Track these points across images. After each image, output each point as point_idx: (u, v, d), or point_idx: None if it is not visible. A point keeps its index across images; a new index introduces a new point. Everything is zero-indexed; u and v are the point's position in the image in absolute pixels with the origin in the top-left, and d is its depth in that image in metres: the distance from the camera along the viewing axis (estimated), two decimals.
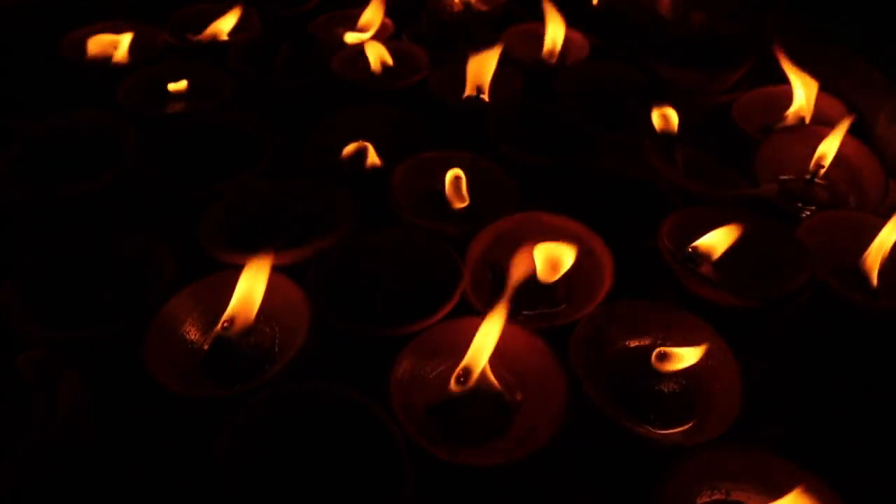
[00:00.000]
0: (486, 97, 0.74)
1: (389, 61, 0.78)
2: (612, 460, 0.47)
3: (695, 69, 0.76)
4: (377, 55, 0.78)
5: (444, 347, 0.48)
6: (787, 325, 0.56)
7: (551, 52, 0.81)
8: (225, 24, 0.85)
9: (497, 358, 0.46)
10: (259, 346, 0.50)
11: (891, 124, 0.67)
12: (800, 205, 0.64)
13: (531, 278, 0.55)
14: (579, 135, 0.69)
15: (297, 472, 0.44)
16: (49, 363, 0.42)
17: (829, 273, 0.55)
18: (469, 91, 0.74)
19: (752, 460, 0.42)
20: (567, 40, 0.83)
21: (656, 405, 0.48)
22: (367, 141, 0.65)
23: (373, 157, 0.64)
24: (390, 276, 0.56)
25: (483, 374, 0.45)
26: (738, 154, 0.66)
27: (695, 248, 0.54)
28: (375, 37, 0.85)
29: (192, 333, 0.51)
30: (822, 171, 0.64)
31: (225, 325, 0.48)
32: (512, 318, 0.50)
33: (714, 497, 0.42)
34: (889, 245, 0.54)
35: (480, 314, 0.49)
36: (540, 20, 0.83)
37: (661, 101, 0.67)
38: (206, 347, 0.50)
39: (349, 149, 0.65)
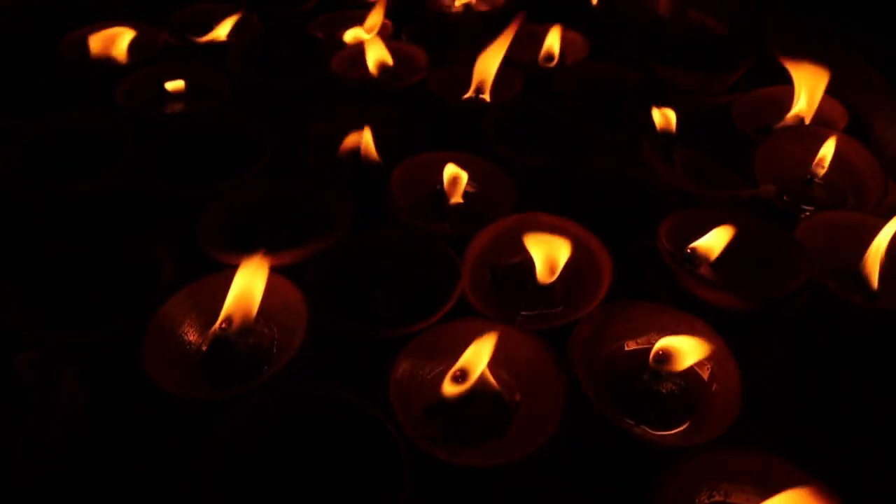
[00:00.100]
0: (487, 97, 0.74)
1: (389, 61, 0.78)
2: (611, 461, 0.47)
3: (694, 70, 0.76)
4: (377, 56, 0.78)
5: (442, 348, 0.48)
6: (786, 326, 0.56)
7: (550, 54, 0.82)
8: (224, 28, 0.85)
9: (496, 358, 0.46)
10: (257, 346, 0.50)
11: (890, 125, 0.67)
12: (799, 205, 0.64)
13: (530, 279, 0.55)
14: (578, 135, 0.69)
15: (295, 473, 0.44)
16: (47, 364, 0.42)
17: (828, 274, 0.55)
18: (471, 91, 0.74)
19: (751, 461, 0.42)
20: (566, 41, 0.83)
21: (655, 406, 0.48)
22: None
23: (369, 147, 0.64)
24: (389, 277, 0.56)
25: (481, 376, 0.45)
26: (737, 155, 0.66)
27: (693, 249, 0.54)
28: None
29: (191, 334, 0.51)
30: (822, 171, 0.64)
31: (223, 325, 0.48)
32: (510, 319, 0.50)
33: (713, 498, 0.42)
34: (884, 247, 0.54)
35: (484, 316, 0.49)
36: (539, 21, 0.83)
37: (661, 101, 0.67)
38: (204, 348, 0.50)
39: (349, 140, 0.65)
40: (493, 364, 0.46)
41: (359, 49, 0.81)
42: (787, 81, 0.71)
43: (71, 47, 0.81)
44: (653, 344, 0.49)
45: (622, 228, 0.57)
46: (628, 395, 0.48)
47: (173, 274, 0.53)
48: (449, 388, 0.45)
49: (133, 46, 0.81)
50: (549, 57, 0.82)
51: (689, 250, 0.54)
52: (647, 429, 0.46)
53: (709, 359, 0.49)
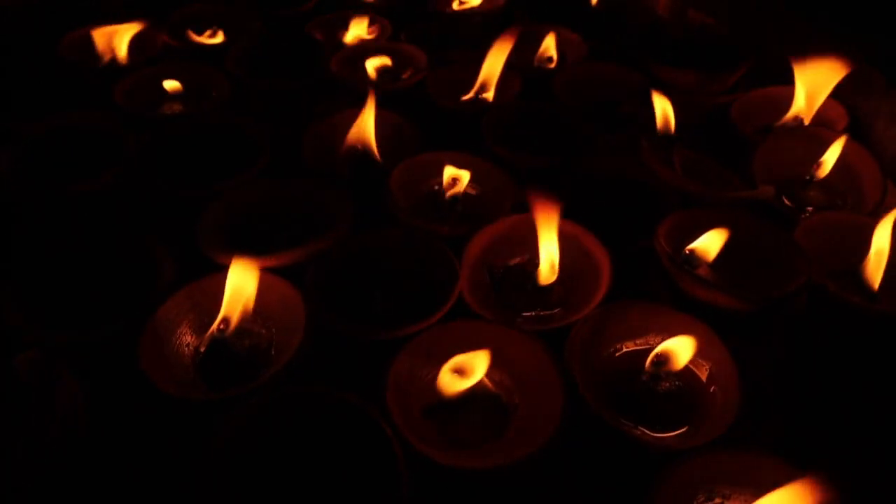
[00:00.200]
0: (489, 96, 0.74)
1: (388, 63, 0.79)
2: (609, 463, 0.47)
3: (693, 70, 0.76)
4: (376, 62, 0.78)
5: (440, 349, 0.48)
6: (785, 327, 0.56)
7: (547, 56, 0.82)
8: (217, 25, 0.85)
9: (494, 360, 0.46)
10: (255, 347, 0.51)
11: (889, 125, 0.67)
12: (798, 206, 0.64)
13: (529, 280, 0.55)
14: (577, 136, 0.69)
15: (292, 474, 0.44)
16: (47, 364, 0.43)
17: (827, 275, 0.55)
18: (472, 92, 0.74)
19: (750, 463, 0.42)
20: (565, 41, 0.83)
21: (654, 407, 0.48)
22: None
23: (370, 147, 0.65)
24: (388, 277, 0.56)
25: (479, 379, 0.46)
26: (737, 155, 0.66)
27: (692, 251, 0.54)
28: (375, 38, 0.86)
29: (189, 334, 0.51)
30: (822, 173, 0.64)
31: (220, 326, 0.48)
32: (510, 321, 0.51)
33: (712, 500, 0.42)
34: (888, 248, 0.54)
35: (482, 317, 0.49)
36: (539, 21, 0.83)
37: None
38: (202, 349, 0.50)
39: (349, 140, 0.65)
40: (491, 366, 0.46)
41: (358, 49, 0.81)
42: (787, 82, 0.71)
43: (71, 47, 0.82)
44: (651, 345, 0.49)
45: (621, 229, 0.57)
46: (627, 397, 0.48)
47: (173, 274, 0.53)
48: (446, 382, 0.45)
49: (133, 46, 0.81)
50: (548, 58, 0.82)
51: (687, 251, 0.54)
52: (645, 430, 0.46)
53: (708, 360, 0.49)
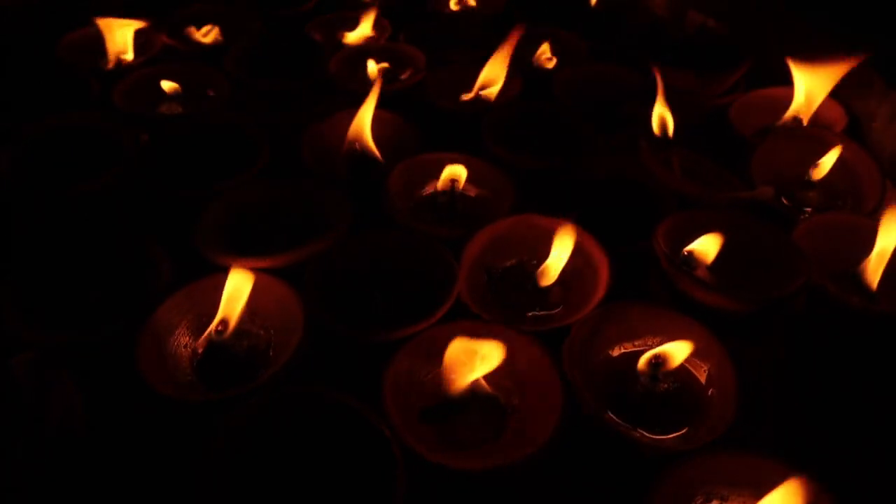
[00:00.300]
0: (492, 93, 0.74)
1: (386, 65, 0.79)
2: (608, 464, 0.47)
3: (692, 71, 0.76)
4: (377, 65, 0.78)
5: (438, 351, 0.48)
6: (785, 328, 0.56)
7: (546, 57, 0.82)
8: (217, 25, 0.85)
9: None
10: (254, 348, 0.51)
11: (888, 126, 0.67)
12: (796, 207, 0.64)
13: (528, 280, 0.55)
14: (577, 136, 0.69)
15: (290, 475, 0.44)
16: (43, 365, 0.43)
17: (826, 276, 0.55)
18: (473, 92, 0.74)
19: (749, 464, 0.42)
20: (565, 42, 0.83)
21: (652, 409, 0.48)
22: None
23: (369, 147, 0.65)
24: (387, 278, 0.56)
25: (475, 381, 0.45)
26: (735, 156, 0.66)
27: (690, 252, 0.54)
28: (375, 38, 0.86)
29: (187, 336, 0.51)
30: (821, 175, 0.64)
31: (219, 328, 0.48)
32: (508, 321, 0.50)
33: (710, 502, 0.42)
34: (890, 250, 0.54)
35: (480, 318, 0.49)
36: (538, 22, 0.83)
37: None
38: (200, 350, 0.50)
39: (348, 141, 0.65)
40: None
41: (357, 50, 0.81)
42: (787, 82, 0.71)
43: (70, 47, 0.82)
44: (650, 346, 0.49)
45: (620, 230, 0.57)
46: (626, 398, 0.48)
47: (171, 275, 0.53)
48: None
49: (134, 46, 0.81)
50: (547, 58, 0.82)
51: (685, 253, 0.54)
52: (644, 432, 0.46)
53: (706, 361, 0.49)
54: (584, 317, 0.50)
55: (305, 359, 0.47)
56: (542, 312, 0.55)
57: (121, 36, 0.81)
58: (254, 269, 0.51)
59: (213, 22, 0.87)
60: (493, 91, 0.73)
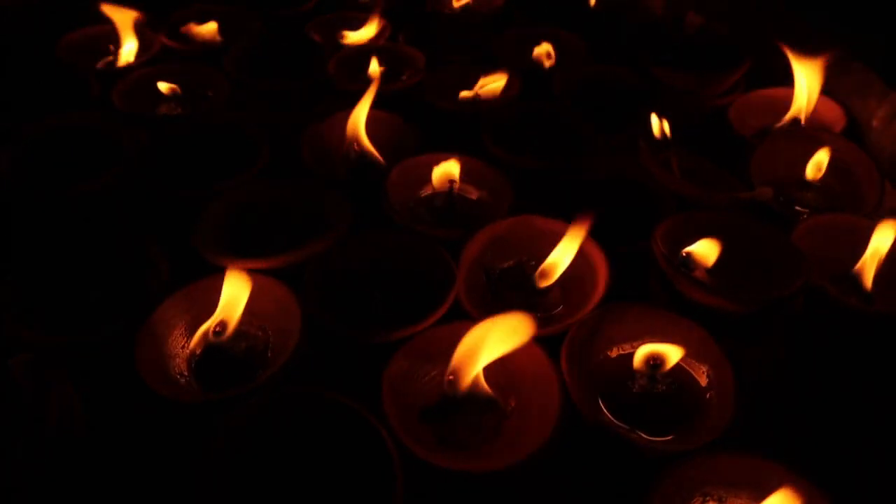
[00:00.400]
0: (492, 92, 0.74)
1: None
2: (606, 466, 0.47)
3: (691, 71, 0.76)
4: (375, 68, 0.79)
5: (436, 351, 0.48)
6: (783, 329, 0.56)
7: (545, 55, 0.82)
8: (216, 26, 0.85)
9: (491, 362, 0.46)
10: (252, 349, 0.51)
11: (887, 127, 0.67)
12: (795, 208, 0.64)
13: (526, 282, 0.55)
14: (576, 137, 0.69)
15: (288, 476, 0.44)
16: (41, 366, 0.43)
17: (825, 277, 0.55)
18: (472, 92, 0.74)
19: (746, 466, 0.42)
20: (564, 42, 0.83)
21: (650, 410, 0.48)
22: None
23: (369, 148, 0.65)
24: (386, 279, 0.56)
25: (476, 379, 0.45)
26: (735, 157, 0.66)
27: (689, 253, 0.54)
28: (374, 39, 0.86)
29: (186, 336, 0.51)
30: (818, 176, 0.64)
31: (217, 329, 0.48)
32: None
33: (707, 503, 0.42)
34: (884, 251, 0.54)
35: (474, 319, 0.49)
36: (537, 24, 0.83)
37: (659, 103, 0.67)
38: (198, 351, 0.50)
39: (348, 141, 0.65)
40: (487, 368, 0.46)
41: (357, 50, 0.81)
42: (786, 83, 0.71)
43: (70, 48, 0.82)
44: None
45: (619, 230, 0.57)
46: (624, 399, 0.48)
47: (170, 275, 0.53)
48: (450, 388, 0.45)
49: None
50: (546, 55, 0.82)
51: (684, 254, 0.54)
52: (641, 434, 0.46)
53: (704, 362, 0.49)
54: (582, 318, 0.50)
55: (304, 359, 0.47)
56: (540, 314, 0.55)
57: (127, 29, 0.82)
58: (252, 270, 0.51)
59: (213, 22, 0.87)
60: (493, 88, 0.73)
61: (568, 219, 0.55)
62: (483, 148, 0.66)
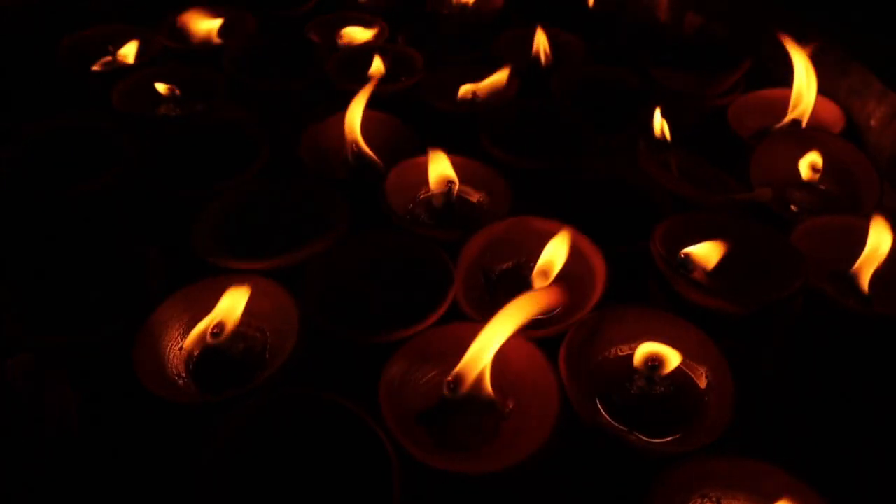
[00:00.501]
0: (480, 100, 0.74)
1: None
2: (604, 467, 0.47)
3: (690, 72, 0.76)
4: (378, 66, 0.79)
5: (434, 353, 0.48)
6: (782, 330, 0.56)
7: (542, 53, 0.82)
8: (215, 26, 0.85)
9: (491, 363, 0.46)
10: (249, 351, 0.51)
11: (885, 128, 0.67)
12: (794, 209, 0.64)
13: (524, 283, 0.55)
14: (575, 137, 0.69)
15: (285, 478, 0.44)
16: (39, 366, 0.43)
17: (824, 278, 0.55)
18: (462, 95, 0.74)
19: (744, 468, 0.42)
20: (562, 43, 0.83)
21: (648, 412, 0.48)
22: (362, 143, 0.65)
23: (367, 149, 0.65)
24: (383, 280, 0.56)
25: (476, 382, 0.45)
26: (733, 158, 0.66)
27: (687, 255, 0.54)
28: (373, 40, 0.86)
29: (183, 338, 0.51)
30: (816, 177, 0.64)
31: (214, 331, 0.49)
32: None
33: None
34: (884, 252, 0.54)
35: (477, 320, 0.49)
36: (536, 23, 0.83)
37: (657, 104, 0.67)
38: (195, 353, 0.50)
39: (346, 142, 0.65)
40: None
41: (356, 51, 0.81)
42: (784, 84, 0.70)
43: (70, 48, 0.82)
44: (646, 350, 0.49)
45: (618, 231, 0.57)
46: (622, 401, 0.48)
47: (169, 276, 0.53)
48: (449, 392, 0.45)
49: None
50: (544, 59, 0.82)
51: (682, 255, 0.54)
52: (640, 435, 0.46)
53: (703, 364, 0.49)
54: (581, 319, 0.50)
55: (302, 361, 0.47)
56: (538, 315, 0.54)
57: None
58: (250, 271, 0.51)
59: (212, 23, 0.87)
60: (497, 80, 0.73)
61: (567, 220, 0.55)
62: (482, 148, 0.66)
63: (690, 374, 0.50)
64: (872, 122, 0.68)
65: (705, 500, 0.42)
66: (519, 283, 0.56)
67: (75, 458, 0.45)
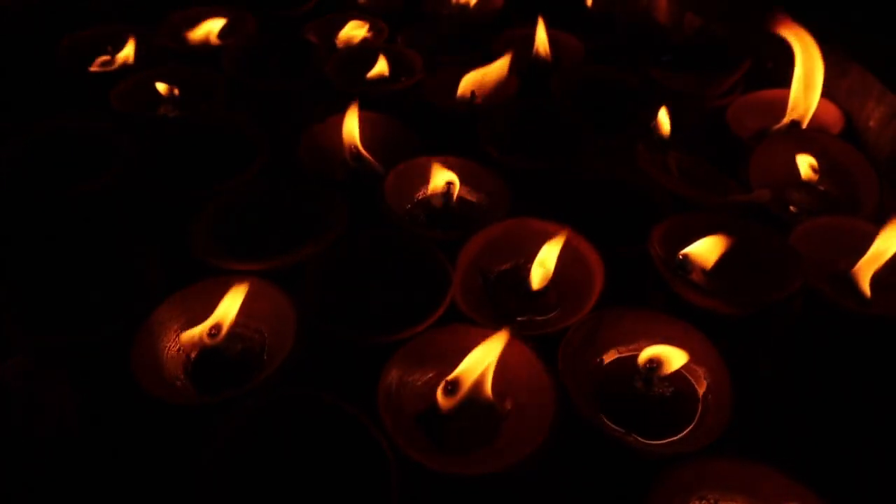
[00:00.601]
0: (479, 100, 0.74)
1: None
2: (602, 470, 0.47)
3: (690, 73, 0.76)
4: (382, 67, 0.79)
5: (433, 354, 0.48)
6: (781, 332, 0.56)
7: (543, 52, 0.81)
8: (213, 26, 0.85)
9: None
10: (248, 352, 0.51)
11: (884, 128, 0.67)
12: (793, 210, 0.64)
13: (522, 284, 0.55)
14: (574, 138, 0.69)
15: (283, 479, 0.44)
16: (36, 368, 0.43)
17: (823, 279, 0.55)
18: (461, 93, 0.74)
19: (743, 470, 0.42)
20: (562, 43, 0.83)
21: (646, 414, 0.48)
22: (361, 144, 0.65)
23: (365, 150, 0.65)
24: (382, 281, 0.56)
25: (475, 386, 0.45)
26: (732, 159, 0.66)
27: (685, 256, 0.54)
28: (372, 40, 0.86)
29: (181, 339, 0.51)
30: (815, 178, 0.64)
31: (212, 332, 0.49)
32: (502, 325, 0.50)
33: None
34: (888, 255, 0.54)
35: (476, 321, 0.49)
36: (535, 24, 0.83)
37: (656, 105, 0.67)
38: (193, 354, 0.50)
39: (345, 143, 0.65)
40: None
41: (355, 52, 0.81)
42: (784, 85, 0.70)
43: (70, 48, 0.82)
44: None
45: (617, 233, 0.57)
46: (620, 403, 0.48)
47: (167, 277, 0.53)
48: (443, 400, 0.45)
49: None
50: (544, 56, 0.82)
51: (681, 256, 0.54)
52: (638, 437, 0.46)
53: (701, 365, 0.49)
54: (579, 321, 0.50)
55: (300, 362, 0.47)
56: (536, 317, 0.54)
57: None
58: (249, 272, 0.51)
59: (212, 24, 0.87)
60: (499, 67, 0.73)
61: (566, 220, 0.55)
62: (481, 149, 0.65)
63: (689, 375, 0.50)
64: (871, 123, 0.68)
65: (704, 501, 0.42)
66: (517, 284, 0.56)
67: (75, 458, 0.45)
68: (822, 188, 0.65)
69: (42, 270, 0.55)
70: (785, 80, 0.70)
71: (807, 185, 0.64)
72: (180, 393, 0.48)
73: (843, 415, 0.51)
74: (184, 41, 0.86)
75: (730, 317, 0.52)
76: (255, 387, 0.45)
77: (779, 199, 0.64)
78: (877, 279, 0.54)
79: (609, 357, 0.51)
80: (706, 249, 0.54)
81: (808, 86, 0.68)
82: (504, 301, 0.55)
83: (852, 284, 0.55)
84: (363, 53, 0.82)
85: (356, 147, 0.64)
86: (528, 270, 0.55)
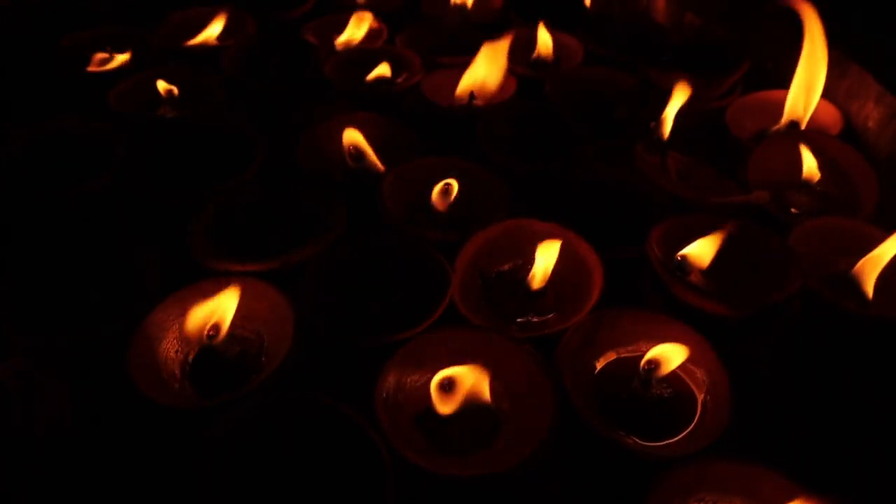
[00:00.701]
0: (478, 101, 0.74)
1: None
2: (601, 471, 0.47)
3: (688, 74, 0.75)
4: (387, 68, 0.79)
5: (431, 356, 0.48)
6: (780, 333, 0.56)
7: (543, 53, 0.81)
8: (214, 29, 0.85)
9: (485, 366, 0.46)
10: (245, 353, 0.51)
11: (883, 129, 0.67)
12: (793, 211, 0.64)
13: (521, 285, 0.55)
14: (572, 140, 0.69)
15: (280, 480, 0.44)
16: (32, 369, 0.43)
17: (822, 280, 0.55)
18: (459, 95, 0.74)
19: (742, 471, 0.42)
20: (560, 45, 0.83)
21: (645, 416, 0.48)
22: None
23: (366, 151, 0.65)
24: (381, 282, 0.56)
25: (474, 389, 0.45)
26: (731, 160, 0.66)
27: (683, 257, 0.54)
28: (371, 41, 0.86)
29: (178, 340, 0.51)
30: (814, 179, 0.64)
31: (210, 333, 0.49)
32: (501, 327, 0.50)
33: None
34: (888, 258, 0.54)
35: (474, 323, 0.49)
36: (534, 25, 0.83)
37: (656, 105, 0.67)
38: (191, 356, 0.50)
39: (344, 144, 0.65)
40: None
41: (354, 53, 0.81)
42: (783, 85, 0.70)
43: (70, 48, 0.82)
44: (643, 352, 0.49)
45: (615, 234, 0.57)
46: (618, 404, 0.48)
47: (162, 278, 0.53)
48: (437, 399, 0.45)
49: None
50: (544, 58, 0.82)
51: (679, 257, 0.54)
52: (637, 439, 0.46)
53: (699, 367, 0.49)
54: (578, 322, 0.50)
55: (298, 363, 0.47)
56: (535, 318, 0.54)
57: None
58: (247, 273, 0.51)
59: (211, 24, 0.87)
60: (500, 46, 0.73)
61: (565, 222, 0.55)
62: (480, 150, 0.65)
63: (688, 376, 0.50)
64: (870, 124, 0.68)
65: (702, 503, 0.42)
66: (516, 285, 0.56)
67: (72, 459, 0.45)
68: (820, 189, 0.65)
69: (41, 270, 0.55)
70: (785, 81, 0.70)
71: (806, 185, 0.64)
72: (178, 395, 0.48)
73: (842, 416, 0.51)
74: (183, 42, 0.86)
75: (728, 318, 0.52)
76: (252, 389, 0.45)
77: (778, 200, 0.64)
78: (876, 280, 0.54)
79: (608, 358, 0.51)
80: (705, 250, 0.54)
81: (809, 84, 0.67)
82: (503, 302, 0.55)
83: (852, 285, 0.55)
84: (363, 54, 0.81)
85: (356, 147, 0.64)
86: (527, 271, 0.55)
